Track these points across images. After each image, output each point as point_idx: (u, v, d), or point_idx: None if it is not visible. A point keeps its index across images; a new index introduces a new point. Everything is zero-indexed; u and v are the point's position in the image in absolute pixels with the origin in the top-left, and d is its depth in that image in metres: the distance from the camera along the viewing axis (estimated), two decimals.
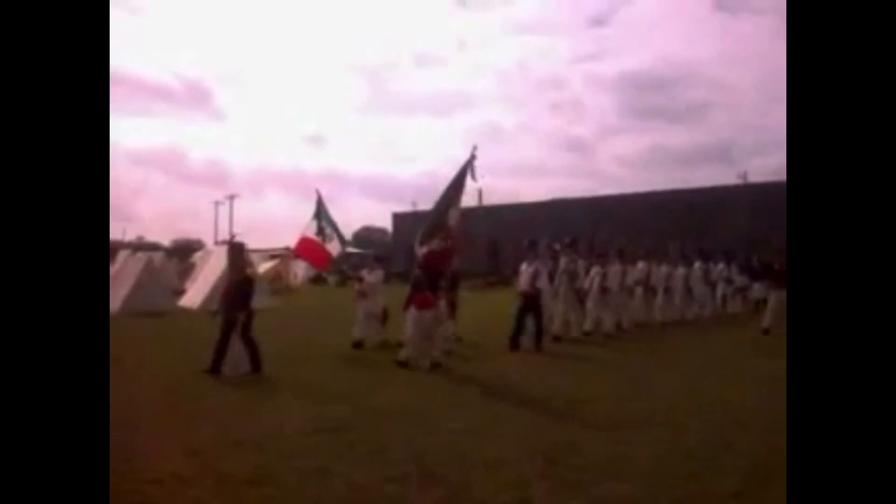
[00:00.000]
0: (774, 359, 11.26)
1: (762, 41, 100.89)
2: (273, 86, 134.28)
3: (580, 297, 13.93)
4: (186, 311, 20.10)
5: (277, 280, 32.72)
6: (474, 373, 10.09)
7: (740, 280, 20.41)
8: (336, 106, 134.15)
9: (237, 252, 10.67)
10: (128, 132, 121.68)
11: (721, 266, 19.78)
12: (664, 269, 17.22)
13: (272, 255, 38.57)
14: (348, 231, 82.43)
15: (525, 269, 12.99)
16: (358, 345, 12.23)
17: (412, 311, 10.43)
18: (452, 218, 10.85)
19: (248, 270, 10.57)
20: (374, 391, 8.59)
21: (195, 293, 22.72)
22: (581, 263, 14.27)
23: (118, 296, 18.76)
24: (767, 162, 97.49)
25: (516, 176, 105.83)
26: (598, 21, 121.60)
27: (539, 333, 12.50)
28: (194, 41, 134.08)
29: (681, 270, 17.63)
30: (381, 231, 71.96)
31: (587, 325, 14.39)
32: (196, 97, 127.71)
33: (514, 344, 12.32)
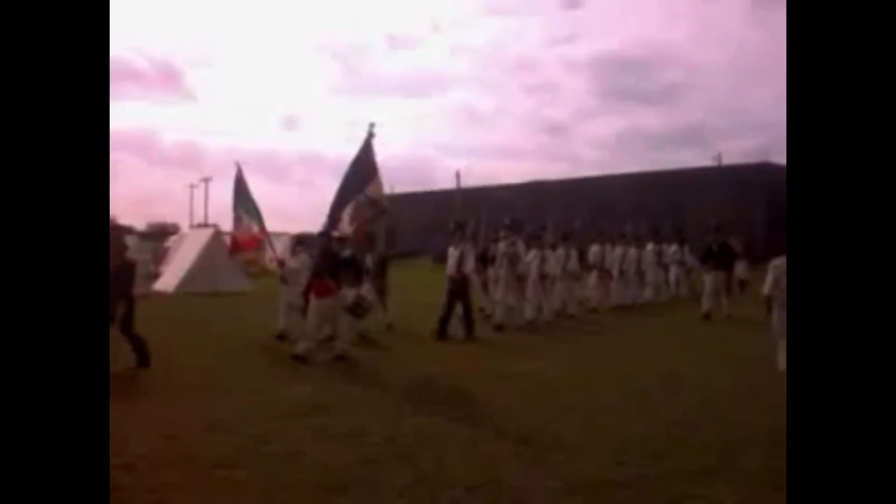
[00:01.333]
0: (743, 338, 11.43)
1: (735, 23, 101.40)
2: (244, 68, 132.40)
3: (521, 282, 13.03)
4: (161, 295, 20.01)
5: (253, 264, 32.47)
6: (444, 356, 10.10)
7: (692, 261, 19.23)
8: (309, 88, 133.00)
9: (115, 235, 9.07)
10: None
11: (674, 248, 19.10)
12: (618, 250, 16.60)
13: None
14: (324, 215, 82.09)
15: (451, 252, 12.03)
16: (281, 336, 11.30)
17: (312, 299, 9.69)
18: (376, 191, 10.03)
19: (127, 255, 9.22)
20: (345, 375, 8.57)
21: (170, 277, 22.72)
22: (522, 246, 13.26)
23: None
24: (740, 144, 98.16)
25: (493, 158, 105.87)
26: (572, 3, 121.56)
27: (468, 320, 11.71)
28: (162, 22, 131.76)
29: (633, 252, 17.05)
30: None
31: (528, 314, 13.43)
32: (166, 79, 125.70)
33: (441, 333, 11.48)
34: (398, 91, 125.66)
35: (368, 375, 8.56)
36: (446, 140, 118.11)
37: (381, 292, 12.43)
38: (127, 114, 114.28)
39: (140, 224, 65.19)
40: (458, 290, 11.69)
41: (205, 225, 39.75)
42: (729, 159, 43.93)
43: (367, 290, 10.71)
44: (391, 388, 7.78)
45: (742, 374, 8.41)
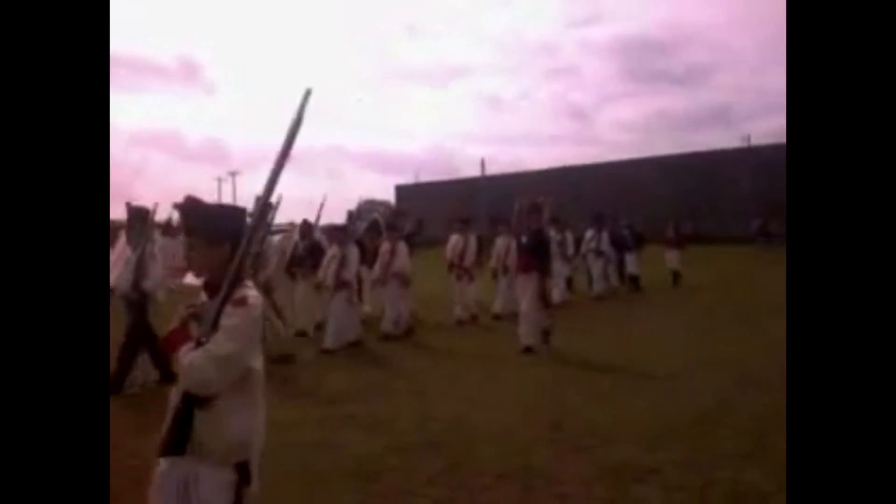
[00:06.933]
0: (776, 320, 11.25)
1: (761, 2, 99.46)
2: (265, 60, 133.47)
3: (349, 290, 9.99)
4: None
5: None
6: (475, 341, 10.12)
7: (609, 252, 16.41)
8: (330, 79, 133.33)
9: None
10: (121, 111, 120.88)
11: (590, 234, 16.29)
12: (500, 241, 13.11)
13: (276, 230, 38.45)
14: (351, 204, 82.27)
15: (129, 257, 8.23)
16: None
17: None
18: None
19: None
20: (374, 364, 8.62)
21: None
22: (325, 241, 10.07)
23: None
24: (768, 125, 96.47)
25: (519, 145, 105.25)
26: None
27: (157, 359, 7.70)
28: (182, 16, 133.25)
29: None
30: (385, 204, 71.84)
31: (351, 334, 9.92)
32: (189, 73, 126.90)
33: (118, 385, 7.28)
34: (420, 80, 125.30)
35: (397, 363, 8.60)
36: (470, 128, 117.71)
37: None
38: (152, 110, 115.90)
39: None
40: (136, 314, 7.90)
41: None
42: (756, 140, 43.27)
43: None
44: (421, 377, 7.78)
45: (775, 356, 8.26)
